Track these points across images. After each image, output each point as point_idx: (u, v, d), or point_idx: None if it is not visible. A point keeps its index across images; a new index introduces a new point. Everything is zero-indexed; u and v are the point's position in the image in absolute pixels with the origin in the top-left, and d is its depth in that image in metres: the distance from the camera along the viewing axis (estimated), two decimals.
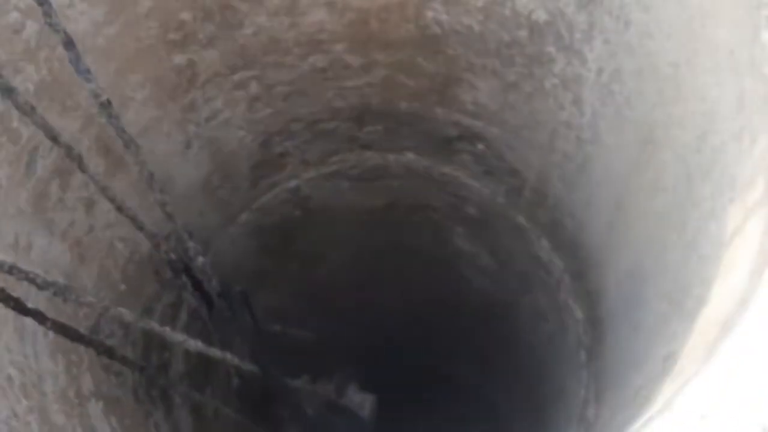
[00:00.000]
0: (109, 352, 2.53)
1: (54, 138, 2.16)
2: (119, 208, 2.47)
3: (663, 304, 2.38)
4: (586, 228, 3.61)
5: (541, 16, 2.89)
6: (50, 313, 2.36)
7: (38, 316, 2.22)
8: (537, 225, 4.18)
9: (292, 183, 4.60)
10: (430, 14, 3.25)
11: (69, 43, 2.03)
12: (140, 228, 2.58)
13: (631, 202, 2.98)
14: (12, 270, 2.03)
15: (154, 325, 2.47)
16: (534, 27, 2.97)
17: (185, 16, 3.10)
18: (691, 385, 1.29)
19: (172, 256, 2.85)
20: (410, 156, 4.46)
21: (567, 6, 2.72)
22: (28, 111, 2.06)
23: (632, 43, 2.49)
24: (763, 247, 1.38)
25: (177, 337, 2.53)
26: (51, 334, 2.47)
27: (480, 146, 4.06)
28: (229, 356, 3.02)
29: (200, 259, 2.88)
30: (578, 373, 3.85)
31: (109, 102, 2.20)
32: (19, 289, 2.31)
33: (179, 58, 3.30)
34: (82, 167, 2.26)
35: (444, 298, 5.83)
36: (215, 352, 2.89)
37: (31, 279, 2.09)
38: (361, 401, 4.71)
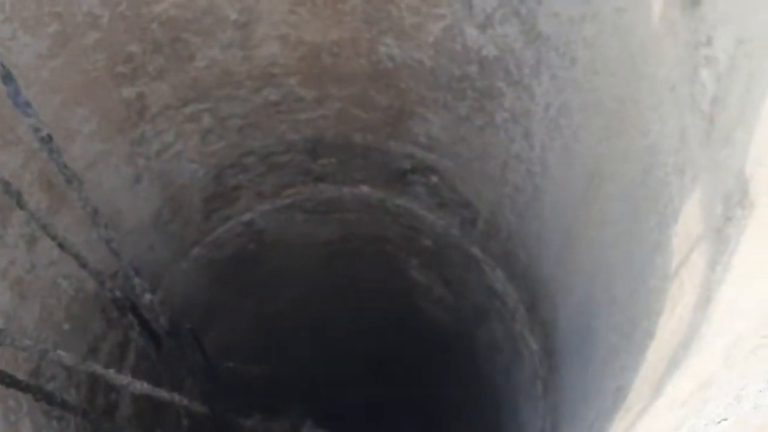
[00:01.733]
0: (47, 398, 2.42)
1: None
2: (61, 246, 2.39)
3: (613, 336, 2.40)
4: (538, 259, 3.64)
5: (490, 51, 2.94)
6: None
7: None
8: (491, 256, 4.21)
9: (246, 216, 4.54)
10: (382, 49, 3.28)
11: (7, 77, 1.97)
12: (84, 265, 2.50)
13: (580, 234, 3.02)
14: None
15: (97, 368, 2.38)
16: (484, 62, 3.01)
17: (134, 48, 3.06)
18: (638, 425, 1.29)
19: (118, 294, 2.76)
20: (364, 188, 4.46)
21: (515, 42, 2.77)
22: None
23: (578, 79, 2.55)
24: (707, 280, 1.40)
25: (121, 379, 2.43)
26: None
27: (433, 178, 4.09)
28: (177, 397, 2.92)
29: (147, 297, 2.80)
30: (535, 404, 3.85)
31: (49, 137, 2.14)
32: None
33: (128, 91, 3.24)
34: (20, 203, 2.18)
35: (400, 330, 5.79)
36: (163, 393, 2.79)
37: None
38: None
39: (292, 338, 5.77)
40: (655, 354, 1.69)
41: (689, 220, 1.72)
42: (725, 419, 0.82)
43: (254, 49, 3.34)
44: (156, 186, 3.75)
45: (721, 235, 1.39)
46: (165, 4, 2.94)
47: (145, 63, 3.18)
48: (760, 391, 0.78)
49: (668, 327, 1.65)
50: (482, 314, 4.68)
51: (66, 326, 3.26)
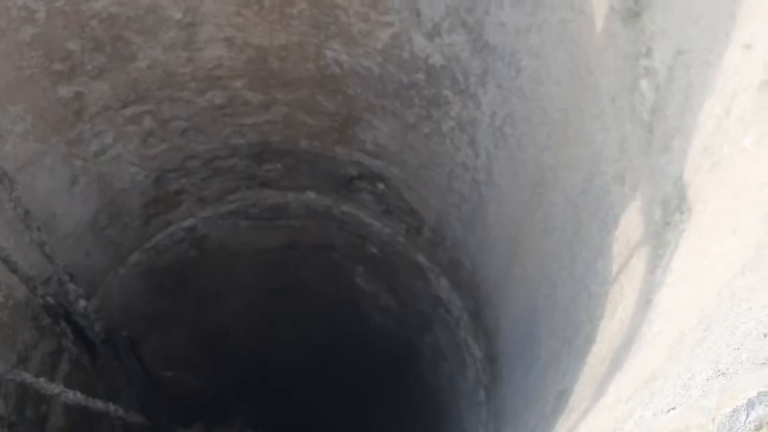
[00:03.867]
0: None
1: None
2: None
3: (555, 342, 2.44)
4: (483, 267, 3.68)
5: (437, 60, 2.97)
6: None
7: None
8: (436, 264, 4.23)
9: (188, 222, 4.43)
10: (329, 54, 3.26)
11: None
12: (14, 270, 2.38)
13: (524, 242, 3.06)
14: None
15: (27, 376, 2.26)
16: (431, 70, 3.03)
17: (72, 45, 2.96)
18: (581, 425, 1.30)
19: (51, 300, 2.64)
20: (311, 195, 4.42)
21: (462, 51, 2.80)
22: None
23: (523, 89, 2.59)
24: (646, 284, 1.43)
25: (52, 388, 2.33)
26: None
27: (380, 186, 4.08)
28: (113, 407, 2.81)
29: (82, 303, 2.69)
30: (478, 410, 3.88)
31: None
32: None
33: (65, 90, 3.13)
34: None
35: (344, 338, 5.76)
36: (97, 404, 2.68)
37: None
38: None
39: (234, 347, 5.65)
40: (596, 357, 1.72)
41: (629, 226, 1.76)
42: (674, 408, 0.84)
43: (199, 50, 3.28)
44: (94, 189, 3.63)
45: (660, 240, 1.43)
46: (105, 1, 2.86)
47: (84, 61, 3.08)
48: (708, 379, 0.80)
49: (609, 330, 1.69)
50: (427, 322, 4.69)
51: None
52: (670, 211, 1.41)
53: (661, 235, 1.42)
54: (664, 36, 1.57)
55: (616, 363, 1.41)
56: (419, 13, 2.81)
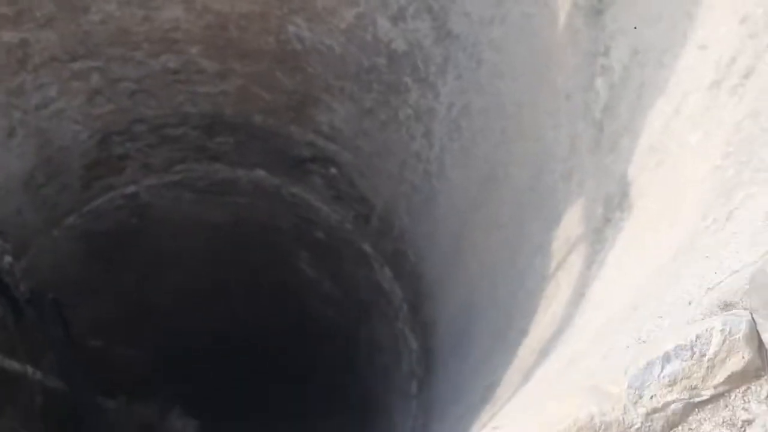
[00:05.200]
0: None
1: None
2: None
3: (489, 338, 2.44)
4: (427, 260, 3.67)
5: (400, 45, 2.93)
6: None
7: None
8: (381, 253, 4.20)
9: (131, 188, 4.29)
10: (291, 29, 3.19)
11: None
12: None
13: (469, 237, 3.06)
14: None
15: None
16: (393, 55, 3.00)
17: None
18: (505, 408, 1.29)
19: None
20: (261, 173, 4.33)
21: (425, 38, 2.77)
22: None
23: (482, 82, 2.58)
24: (582, 278, 1.43)
25: None
26: None
27: (332, 170, 4.03)
28: (31, 370, 2.69)
29: (7, 259, 2.56)
30: (408, 404, 3.87)
31: None
32: None
33: (9, 35, 2.98)
34: None
35: (282, 322, 5.69)
36: (14, 365, 2.56)
37: None
38: (183, 427, 4.43)
39: (167, 321, 5.52)
40: (527, 348, 1.72)
41: (570, 223, 1.76)
42: (593, 375, 0.82)
43: (156, 10, 3.16)
44: (31, 143, 3.47)
45: (599, 236, 1.43)
46: None
47: (33, 7, 2.93)
48: (627, 347, 0.79)
49: (542, 323, 1.69)
50: (367, 311, 4.67)
51: None
52: (611, 209, 1.42)
53: (601, 231, 1.42)
54: (623, 35, 1.57)
55: (544, 352, 1.41)
56: None
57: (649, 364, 0.68)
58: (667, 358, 0.69)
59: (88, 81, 3.40)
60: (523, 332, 1.85)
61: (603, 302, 1.15)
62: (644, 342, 0.76)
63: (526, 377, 1.40)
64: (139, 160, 4.05)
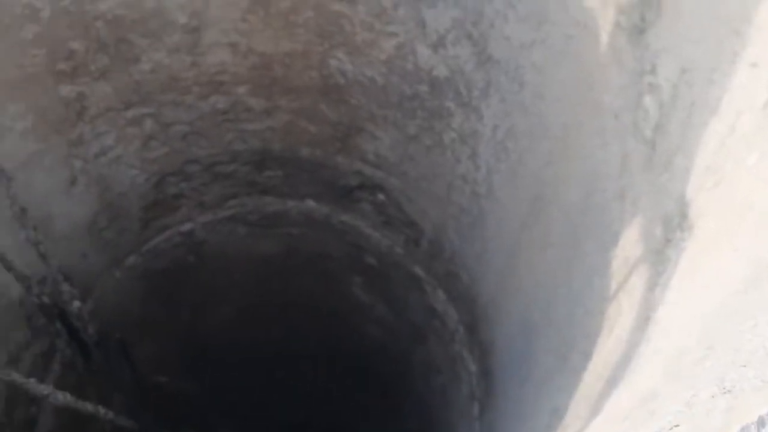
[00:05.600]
0: None
1: None
2: None
3: (550, 358, 2.42)
4: (480, 280, 3.66)
5: (441, 72, 2.97)
6: None
7: None
8: (434, 276, 4.21)
9: (186, 226, 4.42)
10: (333, 63, 3.27)
11: None
12: (9, 268, 2.36)
13: (521, 256, 3.05)
14: None
15: (16, 375, 2.24)
16: (434, 82, 3.04)
17: (76, 45, 2.96)
18: None
19: (46, 300, 2.63)
20: (310, 203, 4.41)
21: (466, 64, 2.80)
22: None
23: (526, 103, 2.59)
24: (645, 301, 1.42)
25: (41, 389, 2.30)
26: None
27: (380, 196, 4.08)
28: (102, 410, 2.79)
29: (76, 304, 2.67)
30: (471, 425, 3.85)
31: None
32: None
33: (67, 90, 3.13)
34: None
35: (339, 349, 5.73)
36: (87, 406, 2.66)
37: None
38: None
39: (227, 355, 5.62)
40: (592, 374, 1.70)
41: (629, 243, 1.75)
42: (677, 425, 0.81)
43: (203, 55, 3.28)
44: (93, 190, 3.62)
45: (660, 257, 1.42)
46: (111, 3, 2.86)
47: (88, 62, 3.08)
48: (713, 397, 0.78)
49: (606, 348, 1.67)
50: (422, 334, 4.67)
51: None
52: (671, 229, 1.41)
53: (662, 252, 1.41)
54: (669, 53, 1.57)
55: (612, 381, 1.39)
56: (424, 25, 2.81)
57: (744, 430, 0.68)
58: (762, 423, 0.67)
59: (142, 127, 3.54)
60: (586, 355, 1.84)
61: (670, 330, 1.14)
62: (729, 392, 0.75)
63: (595, 409, 1.39)
64: (193, 198, 4.17)
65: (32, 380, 2.38)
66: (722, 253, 1.07)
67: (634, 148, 1.79)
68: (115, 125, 3.44)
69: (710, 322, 0.93)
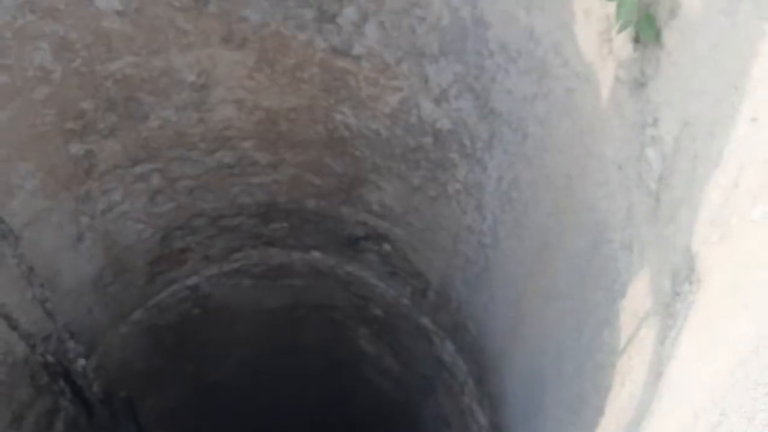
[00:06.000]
0: None
1: None
2: None
3: (561, 411, 2.38)
4: (487, 331, 3.63)
5: (445, 124, 3.01)
6: None
7: None
8: (441, 327, 4.18)
9: (192, 280, 4.42)
10: (338, 117, 3.32)
11: None
12: (14, 327, 2.36)
13: (528, 307, 3.03)
14: None
15: None
16: (438, 135, 3.07)
17: (86, 105, 3.01)
18: None
19: (50, 358, 2.61)
20: (315, 254, 4.41)
21: (469, 116, 2.84)
22: None
23: (529, 155, 2.61)
24: (656, 355, 1.40)
25: None
26: None
27: (385, 247, 4.08)
28: None
29: (81, 362, 2.65)
30: None
31: None
32: None
33: (77, 148, 3.18)
34: None
35: (345, 400, 5.64)
36: None
37: None
38: None
39: (232, 406, 5.54)
40: (605, 431, 1.67)
41: (637, 295, 1.74)
42: None
43: (209, 111, 3.34)
44: (99, 246, 3.63)
45: (669, 311, 1.41)
46: (121, 63, 2.93)
47: (97, 120, 3.13)
48: None
49: (617, 404, 1.64)
50: (430, 386, 4.60)
51: None
52: (679, 282, 1.40)
53: (671, 305, 1.40)
54: (670, 107, 1.59)
55: None
56: (427, 79, 2.86)
57: None
58: None
59: (149, 182, 3.57)
60: (599, 410, 1.80)
61: (681, 388, 1.12)
62: None
63: None
64: (199, 252, 4.18)
65: None
66: (732, 310, 1.07)
67: (639, 200, 1.79)
68: (123, 181, 3.48)
69: (723, 384, 0.92)
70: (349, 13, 2.73)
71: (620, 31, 1.65)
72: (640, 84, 1.75)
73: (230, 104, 3.29)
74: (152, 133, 3.34)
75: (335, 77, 3.08)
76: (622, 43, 1.75)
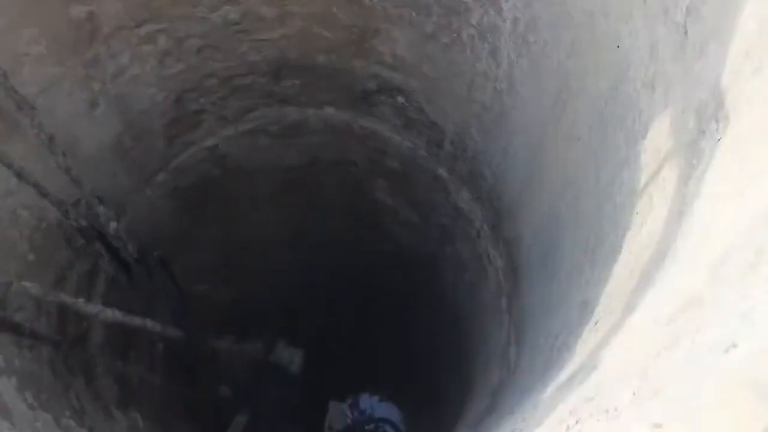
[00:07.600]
0: (15, 329, 2.39)
1: None
2: (19, 175, 2.30)
3: (578, 251, 2.46)
4: (504, 178, 3.67)
5: None
6: None
7: None
8: (457, 176, 4.22)
9: (210, 141, 4.44)
10: None
11: None
12: (44, 195, 2.42)
13: (546, 151, 3.03)
14: None
15: (66, 298, 2.35)
16: None
17: None
18: (613, 341, 1.32)
19: (83, 222, 2.70)
20: (330, 110, 4.38)
21: None
22: None
23: None
24: (679, 195, 1.42)
25: (91, 308, 2.41)
26: None
27: (400, 99, 4.03)
28: (150, 323, 2.92)
29: (113, 225, 2.75)
30: (500, 317, 3.97)
31: None
32: None
33: (77, 10, 3.07)
34: None
35: (367, 253, 5.85)
36: (135, 320, 2.79)
37: None
38: (290, 356, 4.72)
39: (260, 262, 5.78)
40: (624, 268, 1.73)
41: (659, 134, 1.73)
42: (734, 345, 0.75)
43: None
44: (114, 111, 3.62)
45: (694, 149, 1.40)
46: None
47: None
48: None
49: (636, 241, 1.69)
50: (448, 234, 4.74)
51: (31, 257, 3.19)
52: (705, 119, 1.38)
53: (696, 144, 1.39)
54: None
55: (646, 278, 1.41)
56: None
57: None
58: None
59: (156, 44, 3.49)
60: (616, 249, 1.86)
61: (709, 227, 1.13)
62: None
63: (628, 305, 1.41)
64: (214, 113, 4.17)
65: (81, 301, 2.49)
66: (763, 147, 1.05)
67: (665, 35, 1.73)
68: (129, 44, 3.40)
69: (757, 225, 0.89)
70: None
71: None
72: None
73: None
74: None
75: None
76: None
